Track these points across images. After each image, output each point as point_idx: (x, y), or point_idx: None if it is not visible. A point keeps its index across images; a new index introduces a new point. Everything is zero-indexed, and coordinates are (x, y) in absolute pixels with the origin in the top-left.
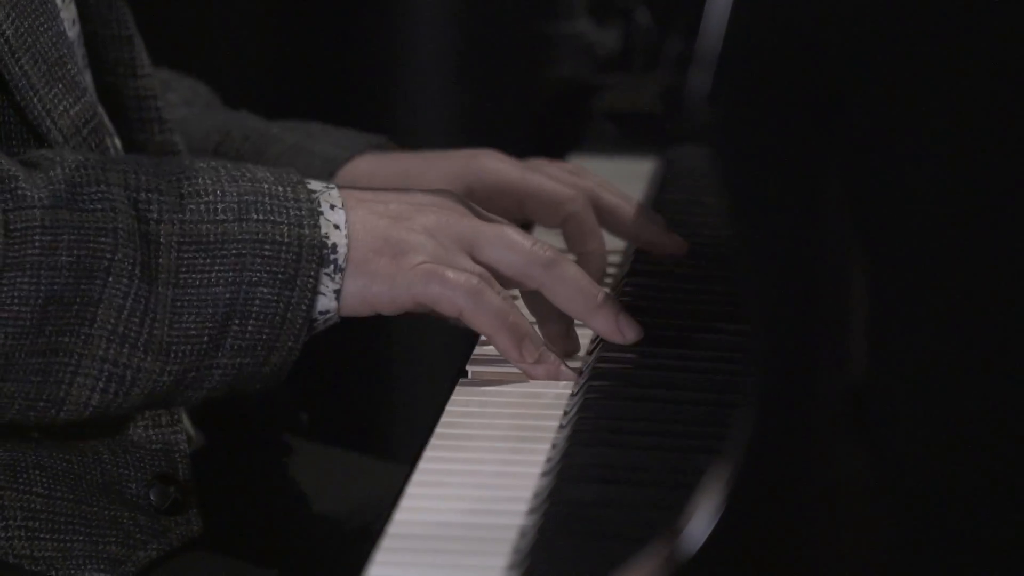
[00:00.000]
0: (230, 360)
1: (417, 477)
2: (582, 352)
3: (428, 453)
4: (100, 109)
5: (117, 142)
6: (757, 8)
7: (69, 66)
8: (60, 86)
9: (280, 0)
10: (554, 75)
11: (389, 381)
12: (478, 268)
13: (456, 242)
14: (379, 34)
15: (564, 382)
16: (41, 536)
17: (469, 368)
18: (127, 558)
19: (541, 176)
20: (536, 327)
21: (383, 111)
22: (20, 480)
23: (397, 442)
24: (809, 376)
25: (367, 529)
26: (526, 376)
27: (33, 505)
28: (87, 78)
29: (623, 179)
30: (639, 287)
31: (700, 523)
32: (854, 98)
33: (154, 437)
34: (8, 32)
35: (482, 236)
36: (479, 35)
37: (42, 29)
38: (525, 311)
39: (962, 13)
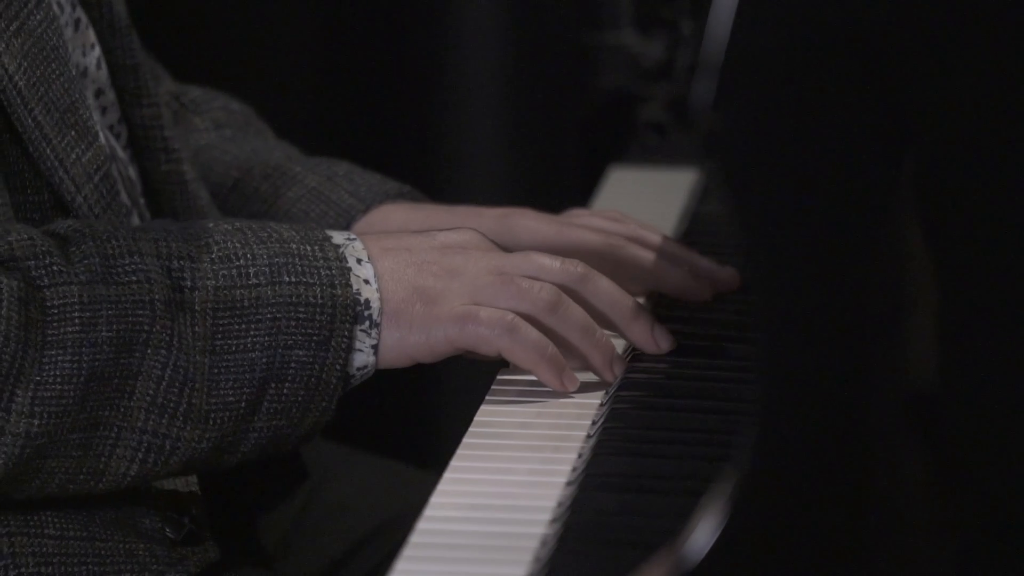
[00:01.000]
0: (266, 423)
1: (442, 487)
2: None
3: (455, 463)
4: (114, 144)
5: (132, 172)
6: (761, 15)
7: (81, 111)
8: (72, 133)
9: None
10: (599, 86)
11: (420, 389)
12: (512, 293)
13: (485, 278)
14: (424, 45)
15: (594, 392)
16: None
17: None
18: None
19: (578, 231)
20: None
21: (428, 123)
22: (32, 523)
23: (428, 450)
24: (837, 384)
25: (392, 536)
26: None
27: (45, 549)
28: (99, 115)
29: (666, 191)
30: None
31: (704, 533)
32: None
33: (167, 480)
34: (20, 83)
35: (511, 267)
36: (524, 46)
37: (54, 76)
38: None
39: (968, 17)
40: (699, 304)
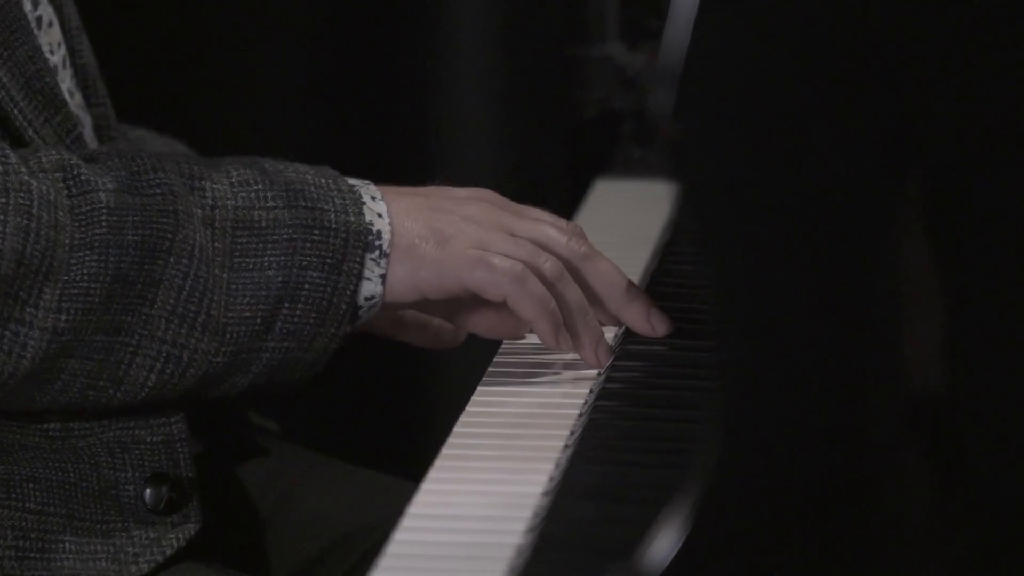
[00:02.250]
0: (278, 343)
1: (420, 497)
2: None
3: (432, 473)
4: (83, 119)
5: None
6: (719, 24)
7: (47, 79)
8: (40, 98)
9: (312, 10)
10: (586, 98)
11: (399, 400)
12: (522, 253)
13: (497, 233)
14: (412, 56)
15: (573, 402)
16: (31, 556)
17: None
18: (118, 574)
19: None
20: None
21: (416, 133)
22: (13, 496)
23: (405, 460)
24: (832, 391)
25: (367, 543)
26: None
27: (24, 523)
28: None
29: (650, 202)
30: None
31: (665, 543)
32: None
33: (155, 428)
34: None
35: (521, 229)
36: (512, 58)
37: (18, 43)
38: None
39: (923, 34)
40: (681, 313)
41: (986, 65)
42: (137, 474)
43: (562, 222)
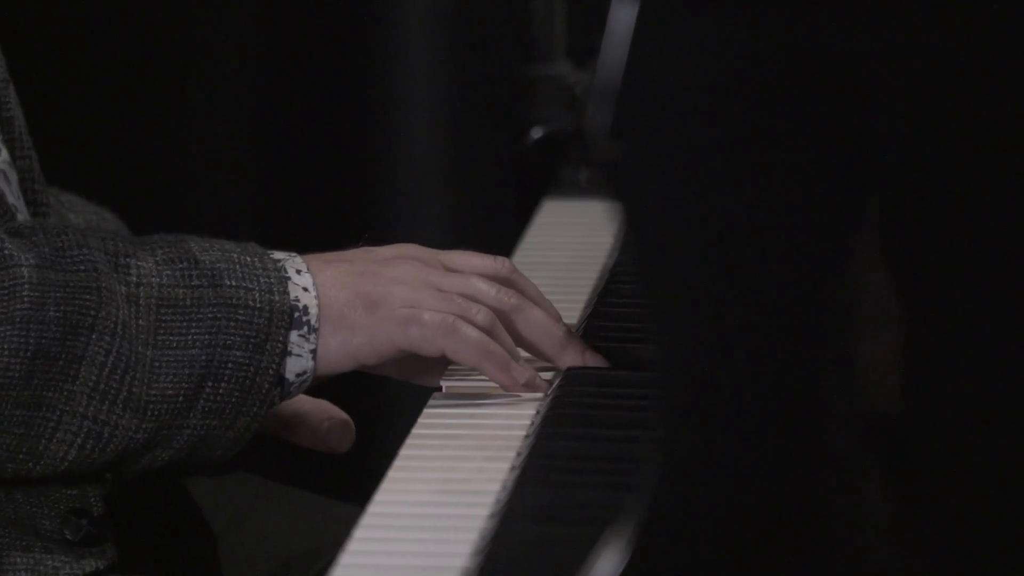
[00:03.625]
0: (200, 421)
1: (366, 520)
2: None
3: (378, 497)
4: (8, 175)
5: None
6: (660, 41)
7: None
8: None
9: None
10: (532, 117)
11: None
12: (453, 307)
13: (426, 290)
14: (358, 77)
15: (519, 424)
16: None
17: (443, 383)
18: None
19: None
20: None
21: (363, 157)
22: None
23: (350, 484)
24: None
25: (312, 567)
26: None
27: None
28: None
29: (599, 221)
30: (600, 328)
31: (607, 565)
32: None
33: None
34: None
35: (449, 285)
36: (459, 78)
37: None
38: None
39: (877, 52)
40: (628, 334)
41: (940, 84)
42: (52, 512)
43: (491, 264)
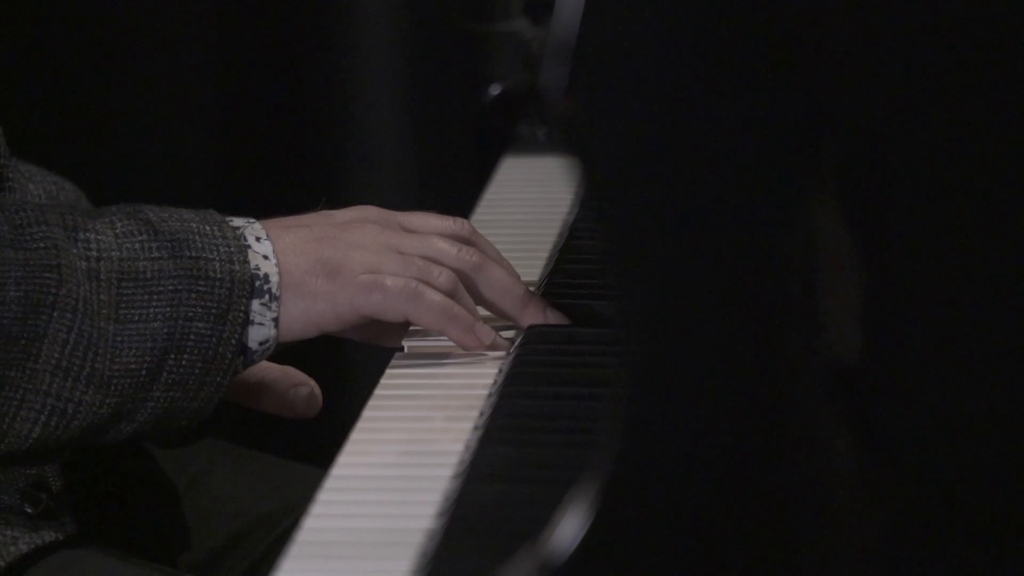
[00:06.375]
0: (163, 393)
1: (329, 483)
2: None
3: (341, 459)
4: None
5: None
6: None
7: None
8: None
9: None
10: (490, 74)
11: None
12: (413, 270)
13: (387, 254)
14: (314, 39)
15: (482, 383)
16: None
17: (405, 343)
18: None
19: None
20: None
21: (321, 116)
22: None
23: (313, 447)
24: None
25: (275, 529)
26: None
27: None
28: None
29: (558, 178)
30: (560, 286)
31: (570, 524)
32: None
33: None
34: None
35: (409, 247)
36: (415, 37)
37: None
38: None
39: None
40: (589, 290)
41: (894, 33)
42: (11, 487)
43: (450, 226)
